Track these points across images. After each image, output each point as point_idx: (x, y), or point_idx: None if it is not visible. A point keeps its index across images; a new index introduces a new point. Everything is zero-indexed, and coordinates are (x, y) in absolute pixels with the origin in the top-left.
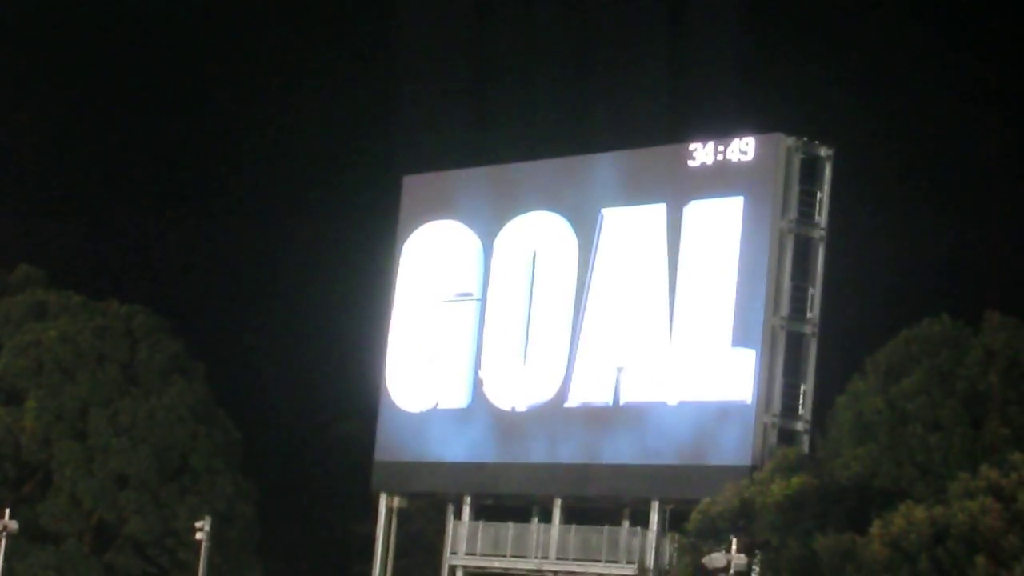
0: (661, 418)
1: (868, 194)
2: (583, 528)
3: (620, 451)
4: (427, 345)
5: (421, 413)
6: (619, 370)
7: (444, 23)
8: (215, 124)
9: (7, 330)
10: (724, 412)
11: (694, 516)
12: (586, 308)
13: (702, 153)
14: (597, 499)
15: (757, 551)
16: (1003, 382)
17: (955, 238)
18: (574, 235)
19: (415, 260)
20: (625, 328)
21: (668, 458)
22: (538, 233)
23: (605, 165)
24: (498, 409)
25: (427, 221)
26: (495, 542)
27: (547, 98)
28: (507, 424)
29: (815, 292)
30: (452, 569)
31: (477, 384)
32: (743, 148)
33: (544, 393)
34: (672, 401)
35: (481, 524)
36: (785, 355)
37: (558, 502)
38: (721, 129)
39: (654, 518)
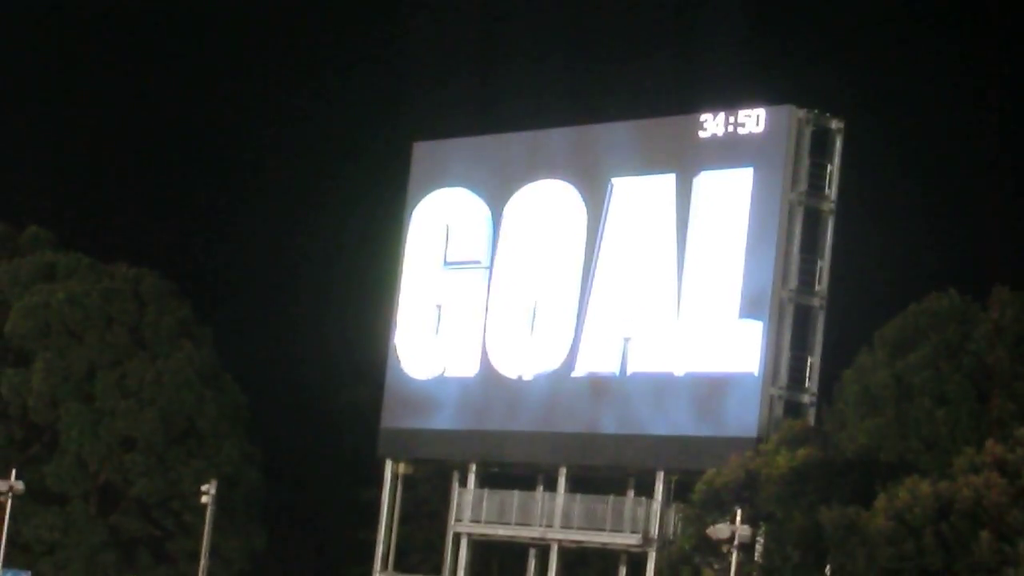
0: (667, 389)
1: (878, 167)
2: (588, 497)
3: (626, 421)
4: (435, 312)
5: (428, 380)
6: (626, 340)
7: None
8: (225, 89)
9: (15, 291)
10: (731, 383)
11: (699, 487)
12: (594, 277)
13: (713, 124)
14: (602, 469)
15: (761, 523)
16: (1011, 357)
17: (964, 212)
18: (583, 204)
19: (424, 227)
20: (633, 298)
21: (674, 429)
22: (547, 202)
23: (616, 134)
24: (505, 377)
25: (437, 188)
26: (500, 510)
27: (558, 67)
28: (513, 392)
29: (824, 265)
30: (456, 536)
31: (484, 352)
32: (754, 120)
33: (551, 362)
34: (679, 372)
35: (486, 492)
36: (793, 327)
37: (563, 471)
38: (732, 100)
39: (659, 488)
